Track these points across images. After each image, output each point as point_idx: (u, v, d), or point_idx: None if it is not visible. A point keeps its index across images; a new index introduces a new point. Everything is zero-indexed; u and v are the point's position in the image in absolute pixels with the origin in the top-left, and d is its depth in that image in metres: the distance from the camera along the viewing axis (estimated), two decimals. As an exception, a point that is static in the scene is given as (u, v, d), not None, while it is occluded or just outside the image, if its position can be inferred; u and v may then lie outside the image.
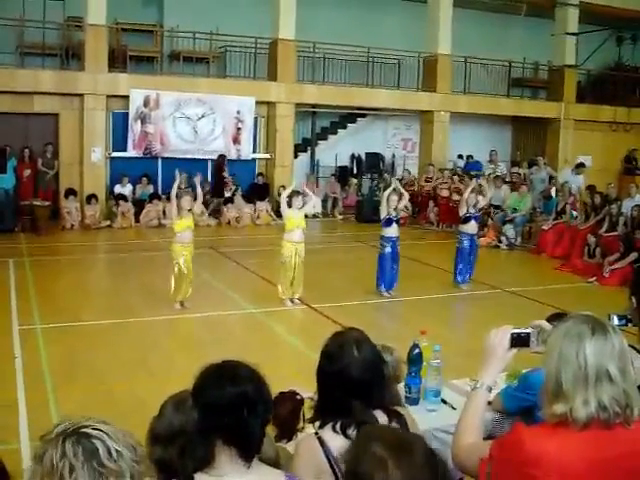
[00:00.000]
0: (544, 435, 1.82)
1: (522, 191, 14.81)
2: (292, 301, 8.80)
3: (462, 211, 10.02)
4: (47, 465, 1.43)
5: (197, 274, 8.89)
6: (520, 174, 16.61)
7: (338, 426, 2.26)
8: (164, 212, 14.97)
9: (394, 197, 9.23)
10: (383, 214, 9.24)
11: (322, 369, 2.39)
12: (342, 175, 18.53)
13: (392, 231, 9.22)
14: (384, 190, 17.37)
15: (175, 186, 8.64)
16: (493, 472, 1.87)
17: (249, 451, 2.00)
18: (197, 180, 9.11)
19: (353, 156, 18.85)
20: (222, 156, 16.18)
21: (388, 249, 9.20)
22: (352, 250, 13.39)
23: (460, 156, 19.15)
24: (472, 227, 10.00)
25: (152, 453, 2.29)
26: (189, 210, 8.40)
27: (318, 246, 12.35)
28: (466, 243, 9.90)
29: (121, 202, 14.95)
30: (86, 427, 1.48)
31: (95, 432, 1.47)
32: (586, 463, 1.78)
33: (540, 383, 2.74)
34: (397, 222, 9.29)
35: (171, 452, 2.25)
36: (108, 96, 15.07)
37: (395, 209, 9.21)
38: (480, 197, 10.06)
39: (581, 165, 16.03)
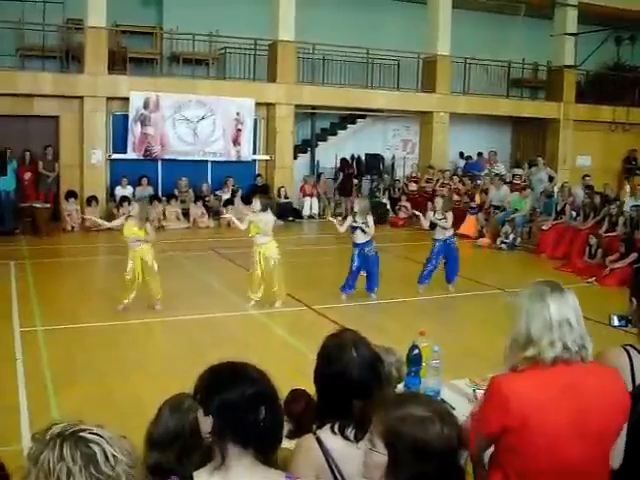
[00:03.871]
0: (516, 377, 2.27)
1: (524, 193, 14.83)
2: (273, 305, 8.80)
3: (425, 225, 10.11)
4: (44, 467, 1.43)
5: (197, 276, 8.91)
6: (521, 175, 16.61)
7: (337, 427, 2.28)
8: (164, 214, 15.00)
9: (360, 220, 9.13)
10: (346, 224, 9.22)
11: (320, 371, 2.40)
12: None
13: (357, 237, 9.12)
14: (384, 191, 17.49)
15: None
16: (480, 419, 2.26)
17: (268, 449, 2.00)
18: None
19: (353, 157, 18.86)
20: (344, 159, 17.99)
21: (355, 253, 9.15)
22: (351, 251, 13.35)
23: (462, 154, 19.15)
24: (438, 232, 9.89)
25: (149, 457, 2.30)
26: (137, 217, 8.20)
27: (317, 247, 12.36)
28: (437, 248, 9.84)
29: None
30: (84, 431, 1.48)
31: (93, 437, 1.47)
32: (552, 392, 2.20)
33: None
34: (362, 230, 9.07)
35: (169, 456, 2.25)
36: (108, 98, 15.10)
37: (365, 224, 9.06)
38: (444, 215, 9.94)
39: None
